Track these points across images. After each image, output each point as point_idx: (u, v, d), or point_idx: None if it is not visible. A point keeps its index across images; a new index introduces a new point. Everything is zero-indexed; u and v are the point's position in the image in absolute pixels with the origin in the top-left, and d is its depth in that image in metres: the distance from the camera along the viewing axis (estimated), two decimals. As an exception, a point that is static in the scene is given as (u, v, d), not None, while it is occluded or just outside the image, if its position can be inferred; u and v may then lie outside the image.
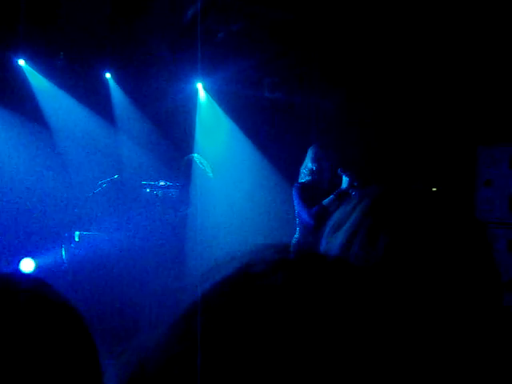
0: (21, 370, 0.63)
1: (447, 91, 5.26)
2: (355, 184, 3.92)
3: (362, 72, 5.48)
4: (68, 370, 0.66)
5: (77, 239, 5.49)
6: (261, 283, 0.42)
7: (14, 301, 0.67)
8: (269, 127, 6.16)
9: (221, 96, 6.38)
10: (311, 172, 4.07)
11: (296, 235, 4.15)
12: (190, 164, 6.03)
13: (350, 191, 3.93)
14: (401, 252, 0.81)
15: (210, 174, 5.54)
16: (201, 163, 5.51)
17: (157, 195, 5.89)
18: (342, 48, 5.35)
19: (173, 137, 6.20)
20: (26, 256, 5.18)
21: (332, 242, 0.91)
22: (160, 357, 0.42)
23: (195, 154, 5.82)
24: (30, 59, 5.66)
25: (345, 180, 3.96)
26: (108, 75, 6.09)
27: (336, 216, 0.94)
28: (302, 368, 0.37)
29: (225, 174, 6.25)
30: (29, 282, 0.72)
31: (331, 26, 5.08)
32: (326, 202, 3.94)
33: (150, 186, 5.92)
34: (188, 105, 6.30)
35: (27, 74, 5.75)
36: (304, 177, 4.13)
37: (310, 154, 4.13)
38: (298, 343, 0.38)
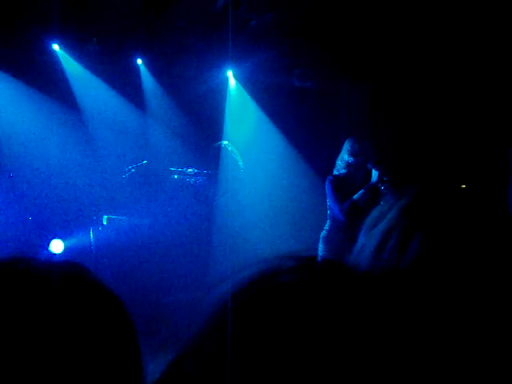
0: (62, 354, 0.64)
1: (482, 87, 5.15)
2: (385, 179, 3.88)
3: (394, 64, 5.40)
4: (110, 354, 0.67)
5: (105, 223, 5.58)
6: (282, 291, 0.43)
7: (57, 286, 0.68)
8: (298, 117, 6.13)
9: (250, 84, 6.36)
10: (347, 165, 4.03)
11: (326, 227, 4.13)
12: (219, 151, 6.05)
13: (380, 186, 3.89)
14: (435, 253, 0.81)
15: (241, 164, 5.53)
16: (232, 151, 5.50)
17: (185, 182, 5.94)
18: (373, 39, 5.28)
19: (202, 124, 6.23)
20: (56, 237, 5.29)
21: (367, 240, 0.91)
22: (194, 354, 0.44)
23: (226, 142, 5.82)
24: (63, 44, 5.74)
25: (374, 174, 3.92)
26: (139, 61, 6.13)
27: (373, 214, 0.95)
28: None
29: (253, 162, 6.26)
30: (69, 268, 0.73)
31: (361, 16, 5.01)
32: (356, 196, 3.92)
33: (178, 172, 5.97)
34: (218, 92, 6.31)
35: (61, 59, 5.82)
36: (339, 169, 4.09)
37: (346, 146, 4.09)
38: (310, 345, 0.39)
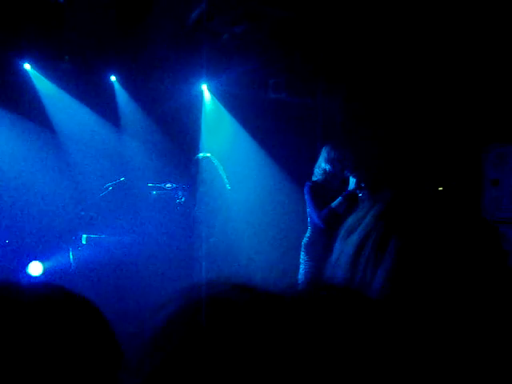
0: (45, 370, 0.64)
1: (454, 90, 5.24)
2: (362, 185, 3.91)
3: (367, 71, 5.47)
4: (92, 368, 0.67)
5: (84, 242, 5.51)
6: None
7: (37, 308, 0.68)
8: (274, 127, 6.16)
9: (226, 97, 6.38)
10: (324, 172, 4.06)
11: (307, 234, 4.14)
12: (201, 163, 6.02)
13: (358, 192, 3.92)
14: (412, 255, 0.81)
15: (227, 185, 5.49)
16: (217, 166, 5.48)
17: (164, 197, 5.90)
18: (346, 47, 5.34)
19: (179, 138, 6.21)
20: (34, 259, 5.20)
21: (343, 248, 0.91)
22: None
23: (208, 154, 5.79)
24: (35, 63, 5.68)
25: (352, 181, 3.95)
26: (113, 78, 6.10)
27: (349, 221, 0.95)
28: None
29: (231, 174, 6.25)
30: (42, 288, 0.72)
31: (334, 25, 5.07)
32: (334, 204, 3.94)
33: (156, 188, 5.93)
34: (193, 106, 6.31)
35: (33, 78, 5.77)
36: (317, 175, 4.12)
37: (323, 153, 4.12)
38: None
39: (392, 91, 5.50)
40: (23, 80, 5.67)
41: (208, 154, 6.09)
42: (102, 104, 5.98)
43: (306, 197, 4.05)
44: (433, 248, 0.80)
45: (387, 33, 5.09)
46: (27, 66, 5.70)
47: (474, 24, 4.78)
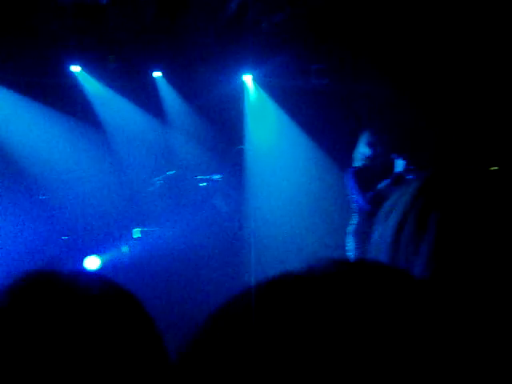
0: (90, 365, 0.65)
1: (502, 69, 5.05)
2: (411, 167, 3.84)
3: (410, 54, 5.33)
4: (135, 364, 0.68)
5: (137, 235, 5.66)
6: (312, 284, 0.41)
7: (82, 297, 0.70)
8: (318, 114, 6.10)
9: (268, 85, 6.37)
10: (365, 157, 4.03)
11: (352, 221, 4.11)
12: (242, 154, 6.07)
13: (406, 174, 3.85)
14: (453, 228, 0.79)
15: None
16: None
17: (213, 188, 5.98)
18: (388, 31, 5.22)
19: (224, 130, 6.26)
20: (91, 254, 5.38)
21: (384, 229, 0.90)
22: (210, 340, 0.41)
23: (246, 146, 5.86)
24: (82, 64, 5.85)
25: (399, 164, 3.89)
26: (157, 74, 6.20)
27: (388, 202, 0.94)
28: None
29: (277, 163, 6.25)
30: (94, 279, 0.75)
31: (375, 8, 4.96)
32: (381, 186, 3.88)
33: (204, 179, 6.02)
34: (237, 97, 6.33)
35: (81, 79, 5.94)
36: (357, 162, 4.08)
37: (363, 139, 4.09)
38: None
39: (436, 72, 5.34)
40: (72, 82, 5.86)
41: (246, 146, 6.13)
42: (148, 100, 6.10)
43: (350, 183, 4.01)
44: (473, 220, 0.78)
45: (431, 18, 4.94)
46: (75, 68, 5.87)
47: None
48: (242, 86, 6.41)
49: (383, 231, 0.90)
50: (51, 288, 0.69)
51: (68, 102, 5.83)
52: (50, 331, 0.65)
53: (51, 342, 0.64)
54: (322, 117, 6.08)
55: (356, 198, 4.01)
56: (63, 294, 0.69)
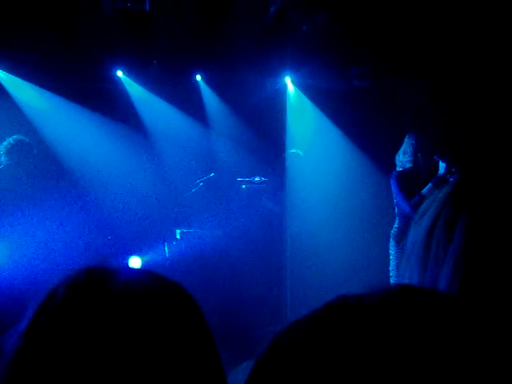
0: (142, 359, 0.65)
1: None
2: (453, 170, 3.76)
3: (452, 55, 5.21)
4: (188, 359, 0.68)
5: (178, 237, 5.75)
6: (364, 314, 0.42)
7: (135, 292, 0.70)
8: (360, 117, 6.04)
9: (309, 88, 6.35)
10: (409, 160, 3.97)
11: (396, 225, 4.06)
12: (290, 159, 6.10)
13: (448, 177, 3.77)
14: (481, 230, 0.79)
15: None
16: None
17: (253, 191, 6.01)
18: (430, 33, 5.12)
19: (265, 132, 6.28)
20: (134, 254, 5.50)
21: (418, 227, 0.91)
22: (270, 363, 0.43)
23: (298, 150, 5.93)
24: (126, 69, 6.00)
25: (442, 166, 3.82)
26: (198, 77, 6.29)
27: (423, 205, 0.95)
28: None
29: (318, 166, 6.22)
30: (145, 275, 0.76)
31: (417, 10, 4.88)
32: (424, 191, 3.82)
33: (245, 182, 6.06)
34: (277, 100, 6.35)
35: (125, 84, 6.10)
36: (402, 165, 4.03)
37: (406, 142, 4.04)
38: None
39: (478, 76, 5.21)
40: (117, 87, 6.02)
41: (297, 150, 6.13)
42: (189, 103, 6.20)
43: (393, 187, 3.97)
44: (501, 224, 0.77)
45: (472, 19, 4.82)
46: (120, 74, 6.04)
47: None
48: (282, 89, 6.42)
49: (415, 235, 0.91)
50: (106, 283, 0.70)
51: (113, 107, 6.00)
52: (106, 327, 0.65)
53: (109, 339, 0.65)
54: (364, 119, 6.02)
55: (399, 202, 3.95)
56: (118, 289, 0.69)
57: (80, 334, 0.65)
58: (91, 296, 0.68)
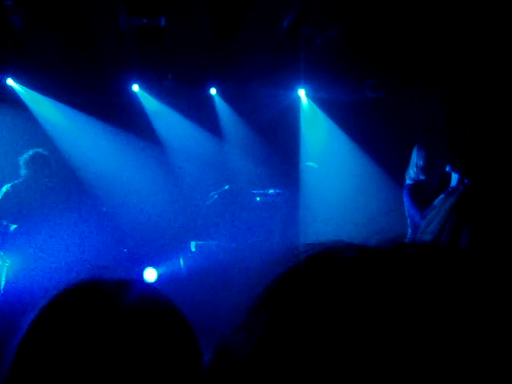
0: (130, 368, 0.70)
1: None
2: (465, 181, 3.74)
3: (465, 67, 5.21)
4: (172, 369, 0.72)
5: (193, 249, 5.78)
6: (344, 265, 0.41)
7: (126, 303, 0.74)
8: (373, 128, 6.05)
9: (323, 100, 6.38)
10: (421, 171, 3.96)
11: (408, 236, 4.04)
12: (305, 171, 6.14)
13: (461, 188, 3.76)
14: (484, 241, 0.81)
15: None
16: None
17: (268, 203, 6.03)
18: (442, 45, 5.13)
19: (279, 145, 6.31)
20: (149, 266, 5.54)
21: (424, 236, 0.93)
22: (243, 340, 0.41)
23: (313, 163, 5.95)
24: (142, 84, 6.10)
25: (454, 177, 3.80)
26: (213, 91, 6.36)
27: (429, 215, 0.97)
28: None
29: (332, 177, 6.23)
30: (140, 289, 0.80)
31: (429, 21, 4.89)
32: (437, 202, 3.80)
33: (259, 194, 6.08)
34: (291, 112, 6.38)
35: (140, 98, 6.19)
36: (414, 176, 4.02)
37: (417, 152, 4.02)
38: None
39: (490, 89, 5.20)
40: (132, 101, 6.11)
41: (312, 163, 6.15)
42: (204, 116, 6.26)
43: (405, 199, 3.95)
44: (505, 235, 0.79)
45: (483, 30, 4.82)
46: (135, 88, 6.13)
47: None
48: (296, 101, 6.46)
49: (422, 239, 0.93)
50: (93, 297, 0.74)
51: (129, 120, 6.09)
52: (87, 338, 0.69)
53: (87, 349, 0.68)
54: (377, 131, 6.02)
55: (412, 214, 3.94)
56: (102, 303, 0.73)
57: (77, 336, 0.69)
58: (84, 305, 0.72)
